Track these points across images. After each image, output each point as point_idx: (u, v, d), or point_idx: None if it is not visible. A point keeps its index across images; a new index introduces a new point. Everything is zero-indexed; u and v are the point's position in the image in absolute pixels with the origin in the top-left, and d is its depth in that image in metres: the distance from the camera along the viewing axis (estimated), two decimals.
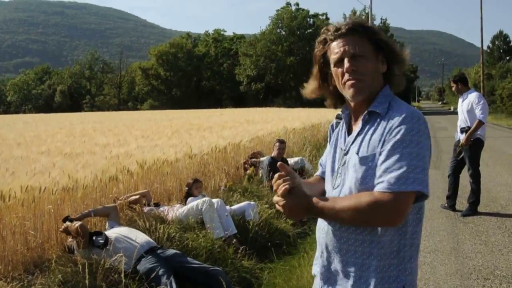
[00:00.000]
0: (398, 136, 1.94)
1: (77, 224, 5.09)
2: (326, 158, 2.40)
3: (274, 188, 2.07)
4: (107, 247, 4.95)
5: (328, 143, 2.42)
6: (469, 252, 6.41)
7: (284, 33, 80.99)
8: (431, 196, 9.67)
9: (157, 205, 6.80)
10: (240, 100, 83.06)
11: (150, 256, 4.97)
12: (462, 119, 8.49)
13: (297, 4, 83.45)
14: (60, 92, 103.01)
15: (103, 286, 4.48)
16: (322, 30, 2.21)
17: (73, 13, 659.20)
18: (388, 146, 1.95)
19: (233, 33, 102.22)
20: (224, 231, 6.23)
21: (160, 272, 4.74)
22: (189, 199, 6.96)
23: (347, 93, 2.11)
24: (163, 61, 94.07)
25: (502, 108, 48.30)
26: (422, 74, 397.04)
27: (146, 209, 6.55)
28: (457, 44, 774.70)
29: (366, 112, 2.11)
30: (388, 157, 1.94)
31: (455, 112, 10.51)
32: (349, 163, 2.10)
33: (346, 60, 2.08)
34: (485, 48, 59.68)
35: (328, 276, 2.16)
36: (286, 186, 2.01)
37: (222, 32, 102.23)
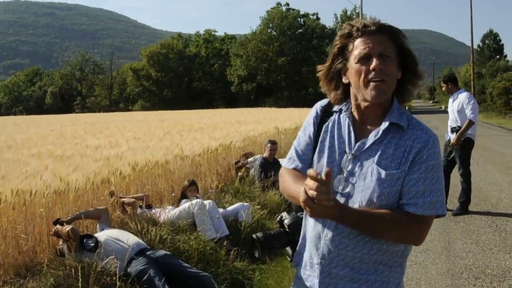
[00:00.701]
0: (430, 161, 2.00)
1: (68, 227, 5.08)
2: (307, 150, 2.25)
3: (305, 185, 1.82)
4: (98, 250, 4.94)
5: (306, 133, 2.28)
6: (460, 251, 6.44)
7: (274, 33, 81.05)
8: None
9: (149, 207, 6.79)
10: (232, 101, 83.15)
11: (140, 258, 4.96)
12: (452, 119, 8.53)
13: (288, 4, 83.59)
14: (51, 93, 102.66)
15: None
16: (345, 25, 2.14)
17: (64, 14, 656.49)
18: (421, 169, 1.99)
19: (224, 33, 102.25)
20: (216, 233, 6.23)
21: (152, 273, 4.73)
22: (183, 201, 6.96)
23: (368, 93, 2.02)
24: (154, 62, 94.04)
25: (493, 107, 48.47)
26: None
27: (138, 211, 6.54)
28: (448, 43, 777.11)
29: (388, 122, 2.06)
30: (422, 180, 1.98)
31: (446, 111, 10.55)
32: (365, 173, 2.04)
33: (375, 59, 2.00)
34: (475, 47, 59.90)
35: (329, 282, 2.11)
36: (329, 202, 1.79)
37: (213, 33, 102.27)
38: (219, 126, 18.33)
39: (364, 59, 2.02)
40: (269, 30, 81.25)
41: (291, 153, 2.31)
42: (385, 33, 2.05)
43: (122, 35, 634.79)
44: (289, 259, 2.41)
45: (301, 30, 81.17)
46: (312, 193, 1.77)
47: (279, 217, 2.54)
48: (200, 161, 9.56)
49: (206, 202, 6.60)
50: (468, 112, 8.18)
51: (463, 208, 8.36)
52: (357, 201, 2.02)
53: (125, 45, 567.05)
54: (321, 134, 2.20)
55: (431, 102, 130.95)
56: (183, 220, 6.33)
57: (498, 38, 72.43)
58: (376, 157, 2.03)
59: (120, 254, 4.92)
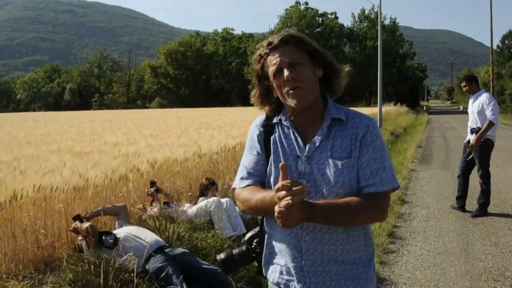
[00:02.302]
0: (375, 142, 2.15)
1: (87, 224, 5.11)
2: (260, 168, 2.29)
3: (276, 197, 1.90)
4: (116, 246, 4.96)
5: (254, 151, 2.33)
6: (479, 253, 6.38)
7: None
8: (440, 197, 9.68)
9: (166, 204, 6.81)
10: (248, 99, 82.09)
11: (159, 255, 4.97)
12: (472, 120, 8.46)
13: (306, 3, 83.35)
14: (69, 90, 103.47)
15: (114, 285, 4.49)
16: (257, 47, 2.29)
17: (83, 11, 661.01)
18: (369, 151, 2.14)
19: (242, 32, 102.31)
20: (233, 231, 6.23)
21: (170, 271, 4.74)
22: (200, 198, 6.97)
23: (291, 101, 2.15)
24: (172, 60, 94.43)
25: None
26: (431, 73, 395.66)
27: (155, 209, 6.55)
28: (466, 43, 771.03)
29: (329, 119, 2.19)
30: (371, 161, 2.13)
31: (464, 112, 10.49)
32: (322, 169, 2.14)
33: (285, 70, 2.13)
34: (494, 47, 59.43)
35: (317, 280, 2.19)
36: (289, 201, 1.84)
37: (230, 31, 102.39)
38: (237, 124, 18.33)
39: (278, 73, 2.16)
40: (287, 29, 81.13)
41: (241, 173, 2.34)
42: (289, 44, 2.17)
43: (140, 32, 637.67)
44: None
45: (319, 29, 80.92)
46: (284, 197, 1.86)
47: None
48: (217, 159, 9.56)
49: (223, 200, 6.61)
50: (488, 113, 8.10)
51: (482, 210, 8.29)
52: (322, 197, 2.12)
53: (143, 42, 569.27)
54: (271, 146, 2.28)
55: (449, 102, 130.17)
56: (201, 218, 6.35)
57: None
58: (328, 151, 2.16)
59: (139, 251, 4.93)
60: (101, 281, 4.35)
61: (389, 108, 43.09)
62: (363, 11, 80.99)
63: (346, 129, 2.17)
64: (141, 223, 6.00)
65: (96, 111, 76.51)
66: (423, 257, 6.27)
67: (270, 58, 2.19)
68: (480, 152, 8.31)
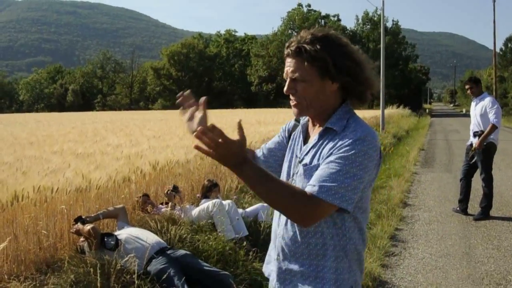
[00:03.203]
0: (342, 153, 2.01)
1: (88, 226, 5.10)
2: (273, 146, 2.49)
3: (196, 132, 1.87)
4: (118, 248, 4.96)
5: (278, 135, 2.52)
6: (481, 256, 6.38)
7: (295, 34, 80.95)
8: (442, 200, 9.67)
9: (168, 204, 6.82)
10: (251, 101, 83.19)
11: (160, 257, 4.97)
12: (475, 123, 8.45)
13: (309, 5, 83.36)
14: (72, 91, 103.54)
15: (116, 287, 4.49)
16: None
17: (86, 13, 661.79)
18: (331, 158, 2.02)
19: (245, 33, 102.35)
20: (235, 234, 6.23)
21: (172, 273, 4.74)
22: (202, 200, 6.96)
23: (292, 109, 2.20)
24: (175, 61, 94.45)
25: None
26: (434, 76, 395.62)
27: (157, 209, 6.55)
28: (469, 46, 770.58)
29: (324, 127, 2.16)
30: (326, 167, 2.01)
31: (466, 115, 10.48)
32: (300, 173, 2.19)
33: (287, 81, 2.15)
34: (497, 50, 59.33)
35: (285, 277, 2.24)
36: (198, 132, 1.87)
37: (233, 33, 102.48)
38: None
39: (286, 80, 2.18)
40: (290, 31, 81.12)
41: (262, 145, 2.56)
42: (298, 55, 2.11)
43: (143, 34, 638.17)
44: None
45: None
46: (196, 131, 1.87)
47: None
48: None
49: (226, 202, 6.60)
50: (491, 116, 8.09)
51: (485, 213, 8.28)
52: None
53: (146, 44, 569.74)
54: (290, 141, 2.40)
55: (451, 105, 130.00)
56: (202, 220, 6.35)
57: None
58: (309, 158, 2.16)
59: (140, 252, 4.93)
60: (102, 283, 4.35)
61: (392, 111, 43.06)
62: (366, 13, 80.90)
63: (335, 140, 2.08)
64: (142, 224, 6.00)
65: (99, 112, 76.51)
66: (425, 260, 6.26)
67: (286, 60, 2.20)
68: (483, 156, 8.30)
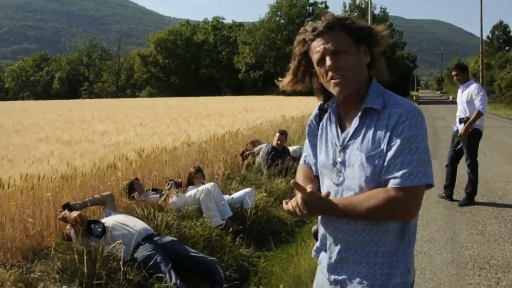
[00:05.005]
0: (405, 133, 2.02)
1: (75, 213, 5.10)
2: (312, 150, 2.44)
3: (291, 206, 2.09)
4: (105, 235, 4.96)
5: (309, 135, 2.46)
6: (466, 241, 6.44)
7: (283, 21, 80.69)
8: None
9: (155, 190, 6.83)
10: (239, 88, 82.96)
11: (147, 243, 4.98)
12: (461, 110, 8.50)
13: None
14: (58, 79, 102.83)
15: (102, 273, 4.49)
16: (301, 31, 2.23)
17: None
18: (397, 142, 2.02)
19: (232, 21, 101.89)
20: (222, 219, 6.26)
21: (158, 259, 4.75)
22: (189, 187, 6.98)
23: (333, 90, 2.13)
24: (162, 49, 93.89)
25: (501, 98, 48.29)
26: (421, 64, 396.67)
27: (144, 196, 6.56)
28: (456, 33, 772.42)
29: (362, 108, 2.14)
30: (398, 153, 2.02)
31: (453, 102, 10.53)
32: (352, 160, 2.14)
33: (327, 58, 2.10)
34: (484, 38, 59.57)
35: (336, 266, 2.24)
36: (291, 207, 2.09)
37: (221, 20, 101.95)
38: (226, 113, 18.32)
39: (321, 61, 2.13)
40: (277, 18, 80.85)
41: (305, 150, 2.51)
42: (334, 29, 2.12)
43: (130, 21, 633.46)
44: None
45: (310, 19, 79.99)
46: (290, 209, 2.08)
47: None
48: (207, 148, 9.57)
49: (209, 184, 6.60)
50: (477, 103, 8.15)
51: (469, 199, 8.36)
52: (351, 189, 2.14)
53: (132, 31, 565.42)
54: (319, 131, 2.36)
55: (438, 92, 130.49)
56: (189, 207, 6.36)
57: (508, 29, 71.99)
58: (359, 143, 2.12)
59: (127, 239, 4.94)
60: (89, 269, 4.36)
61: None
62: (353, 1, 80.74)
63: (381, 119, 2.09)
64: (129, 211, 6.00)
65: (86, 100, 76.01)
66: None
67: (314, 44, 2.15)
68: (469, 142, 8.36)
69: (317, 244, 2.40)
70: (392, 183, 2.01)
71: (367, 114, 2.13)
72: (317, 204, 2.04)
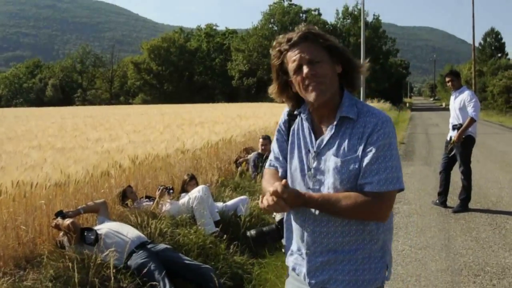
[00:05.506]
0: (380, 141, 2.15)
1: (68, 221, 5.07)
2: (281, 155, 2.48)
3: (268, 192, 2.14)
4: (98, 242, 4.93)
5: (278, 140, 2.50)
6: (460, 248, 6.44)
7: (276, 28, 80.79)
8: (422, 193, 9.75)
9: (149, 198, 6.80)
10: (232, 95, 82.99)
11: (141, 251, 4.95)
12: (454, 116, 8.53)
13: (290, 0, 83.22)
14: (51, 86, 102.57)
15: (95, 281, 4.47)
16: (275, 44, 2.32)
17: (65, 6, 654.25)
18: (373, 150, 2.15)
19: (226, 28, 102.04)
20: (216, 226, 6.25)
21: (152, 267, 4.73)
22: (182, 195, 6.96)
23: (310, 96, 2.21)
24: (155, 56, 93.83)
25: (494, 105, 48.48)
26: (414, 70, 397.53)
27: (137, 203, 6.53)
28: (449, 40, 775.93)
29: (338, 117, 2.24)
30: (374, 160, 2.14)
31: (446, 109, 10.56)
32: (328, 165, 2.23)
33: (304, 67, 2.18)
34: (476, 45, 59.86)
35: (316, 269, 2.32)
36: (266, 204, 2.14)
37: (214, 27, 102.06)
38: (220, 121, 18.31)
39: (297, 70, 2.22)
40: (270, 25, 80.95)
41: (271, 155, 2.55)
42: (308, 40, 2.22)
43: (123, 28, 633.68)
44: (283, 250, 2.64)
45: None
46: (266, 206, 2.13)
47: (273, 215, 2.77)
48: (200, 155, 9.55)
49: (199, 188, 6.58)
50: (470, 109, 8.19)
51: (463, 206, 8.37)
52: (325, 192, 2.24)
53: (126, 38, 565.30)
54: (290, 137, 2.43)
55: (431, 99, 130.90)
56: (183, 214, 6.34)
57: (499, 36, 72.28)
58: (334, 149, 2.22)
59: (120, 247, 4.91)
60: (81, 277, 4.33)
61: (372, 105, 43.18)
62: (346, 8, 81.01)
63: (356, 127, 2.20)
64: (122, 219, 5.97)
65: (79, 107, 75.86)
66: (405, 252, 6.31)
67: (290, 54, 2.23)
68: (462, 149, 8.38)
69: (288, 251, 2.50)
70: (368, 188, 2.14)
71: (342, 122, 2.24)
72: (294, 192, 2.15)
